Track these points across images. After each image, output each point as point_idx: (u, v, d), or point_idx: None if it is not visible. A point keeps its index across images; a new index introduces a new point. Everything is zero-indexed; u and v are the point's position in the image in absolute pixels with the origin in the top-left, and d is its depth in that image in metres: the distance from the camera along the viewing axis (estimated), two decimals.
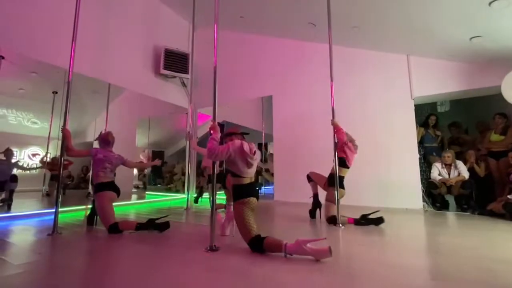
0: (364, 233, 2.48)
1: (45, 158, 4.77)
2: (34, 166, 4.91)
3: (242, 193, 1.90)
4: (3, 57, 3.37)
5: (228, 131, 2.08)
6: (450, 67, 3.85)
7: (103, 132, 2.94)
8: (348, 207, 3.79)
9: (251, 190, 1.92)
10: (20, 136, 4.77)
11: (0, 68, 3.35)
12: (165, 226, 2.45)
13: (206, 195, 4.83)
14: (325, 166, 3.38)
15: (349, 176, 4.15)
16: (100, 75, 4.06)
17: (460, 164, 3.82)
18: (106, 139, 2.76)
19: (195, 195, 4.43)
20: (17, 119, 4.59)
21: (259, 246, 1.77)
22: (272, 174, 5.92)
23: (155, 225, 2.46)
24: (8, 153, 3.94)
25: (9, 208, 3.80)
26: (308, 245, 1.67)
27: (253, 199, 1.90)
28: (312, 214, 3.12)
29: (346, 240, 2.26)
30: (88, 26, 3.81)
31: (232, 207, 2.14)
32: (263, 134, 6.18)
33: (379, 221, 2.65)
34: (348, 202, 3.89)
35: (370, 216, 2.72)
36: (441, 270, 1.58)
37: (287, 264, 1.63)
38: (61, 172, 2.62)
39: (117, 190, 2.68)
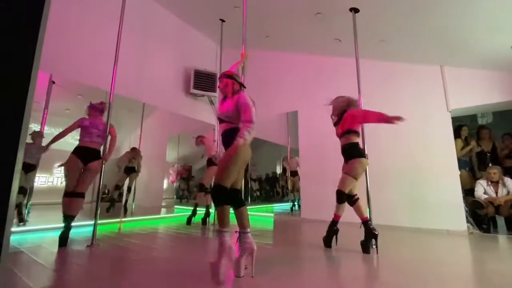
0: (402, 258, 2.31)
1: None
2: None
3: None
4: (54, 82, 3.77)
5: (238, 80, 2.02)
6: (489, 76, 3.60)
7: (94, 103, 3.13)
8: (381, 226, 3.58)
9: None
10: (64, 152, 5.18)
11: (52, 92, 3.74)
12: None
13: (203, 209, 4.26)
14: None
15: (383, 194, 3.90)
16: (136, 95, 4.37)
17: (508, 181, 3.48)
18: (95, 107, 3.08)
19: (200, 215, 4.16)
20: None
21: (221, 197, 1.70)
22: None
23: None
24: (35, 135, 3.71)
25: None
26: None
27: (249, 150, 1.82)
28: (326, 242, 2.63)
29: (383, 266, 2.11)
30: (127, 51, 4.15)
31: (247, 236, 1.77)
32: (289, 149, 6.14)
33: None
34: (382, 222, 3.68)
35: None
36: None
37: None
38: (100, 185, 2.81)
39: (85, 156, 2.87)
